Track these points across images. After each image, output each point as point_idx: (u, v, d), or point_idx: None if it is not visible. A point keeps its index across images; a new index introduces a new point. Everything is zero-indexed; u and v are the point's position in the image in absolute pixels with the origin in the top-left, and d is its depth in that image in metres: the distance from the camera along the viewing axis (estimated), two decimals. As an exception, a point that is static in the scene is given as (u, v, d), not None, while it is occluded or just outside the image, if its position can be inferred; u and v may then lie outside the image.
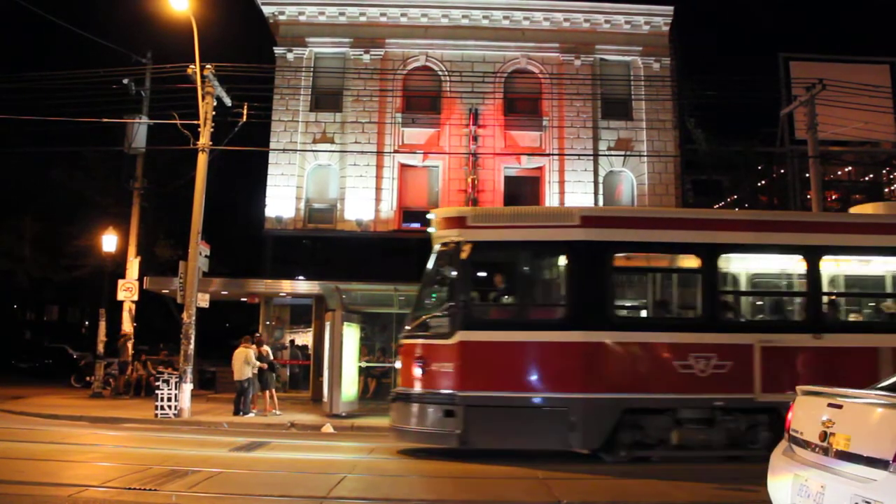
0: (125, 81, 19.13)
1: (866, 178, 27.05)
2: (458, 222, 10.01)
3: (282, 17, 23.87)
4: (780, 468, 5.00)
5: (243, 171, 30.66)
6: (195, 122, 16.39)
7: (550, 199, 22.90)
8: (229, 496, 7.05)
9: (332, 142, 23.26)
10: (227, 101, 17.48)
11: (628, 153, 23.26)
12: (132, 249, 21.02)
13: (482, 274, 10.44)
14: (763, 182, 27.35)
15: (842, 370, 9.52)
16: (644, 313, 11.19)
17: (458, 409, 9.26)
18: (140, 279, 20.32)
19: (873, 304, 11.26)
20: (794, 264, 10.52)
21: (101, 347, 20.76)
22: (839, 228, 10.52)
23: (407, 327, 10.23)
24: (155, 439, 11.83)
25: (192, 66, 16.29)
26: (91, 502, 6.62)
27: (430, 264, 10.19)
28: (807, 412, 4.99)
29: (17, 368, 31.10)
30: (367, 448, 10.80)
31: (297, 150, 22.88)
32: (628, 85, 23.93)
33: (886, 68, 24.66)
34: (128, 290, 20.18)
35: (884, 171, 26.47)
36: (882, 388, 5.05)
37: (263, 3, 23.81)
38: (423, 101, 23.76)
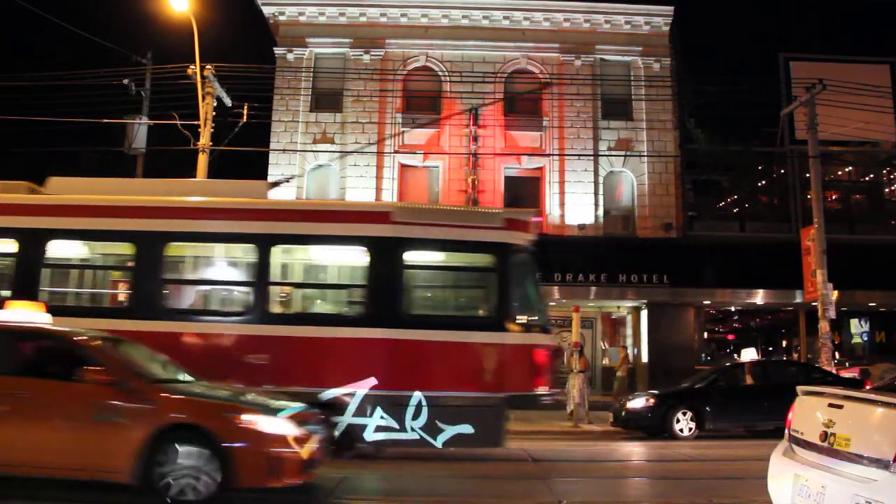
0: (125, 81, 19.11)
1: (866, 178, 27.04)
2: None
3: (282, 18, 23.89)
4: (780, 468, 5.00)
5: (243, 172, 30.65)
6: (195, 122, 16.41)
7: (550, 199, 22.91)
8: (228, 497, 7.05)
9: (332, 142, 23.26)
10: (228, 102, 17.51)
11: (628, 153, 23.27)
12: (132, 250, 20.96)
13: None
14: (763, 182, 27.33)
15: None
16: None
17: None
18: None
19: None
20: None
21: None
22: None
23: None
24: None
25: (192, 67, 16.31)
26: (91, 502, 6.62)
27: None
28: (807, 412, 4.99)
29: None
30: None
31: (297, 151, 22.89)
32: (628, 85, 23.94)
33: (886, 68, 24.65)
34: (128, 291, 20.13)
35: (884, 171, 26.47)
36: (882, 389, 5.05)
37: (263, 4, 23.82)
38: (423, 101, 23.77)
